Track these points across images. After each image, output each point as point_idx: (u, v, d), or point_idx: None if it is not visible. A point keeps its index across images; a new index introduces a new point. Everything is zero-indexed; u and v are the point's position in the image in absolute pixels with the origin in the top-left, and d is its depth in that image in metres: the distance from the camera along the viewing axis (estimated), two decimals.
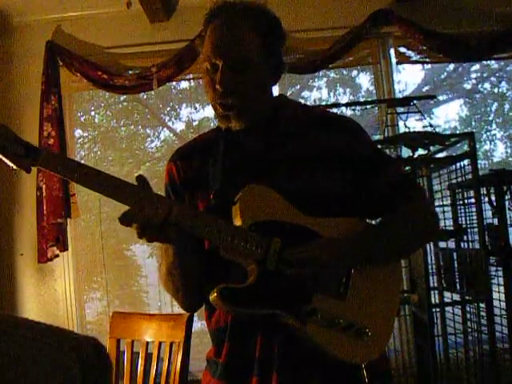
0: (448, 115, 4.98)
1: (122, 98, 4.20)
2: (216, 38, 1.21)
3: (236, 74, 1.20)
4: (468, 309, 2.90)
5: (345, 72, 4.01)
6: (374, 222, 1.35)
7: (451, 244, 2.98)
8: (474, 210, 2.73)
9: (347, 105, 3.27)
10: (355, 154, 1.26)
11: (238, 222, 1.16)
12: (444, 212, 2.96)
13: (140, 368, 1.94)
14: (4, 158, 1.11)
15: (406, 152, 2.99)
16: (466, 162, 2.75)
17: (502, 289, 2.70)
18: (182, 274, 1.25)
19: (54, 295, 3.38)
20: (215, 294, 1.12)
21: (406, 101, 3.06)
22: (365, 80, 4.10)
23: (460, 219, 2.91)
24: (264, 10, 1.25)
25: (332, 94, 4.35)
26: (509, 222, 2.70)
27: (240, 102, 1.22)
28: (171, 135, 4.54)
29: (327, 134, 1.27)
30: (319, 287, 1.15)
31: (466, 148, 2.78)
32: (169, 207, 1.12)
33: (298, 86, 4.38)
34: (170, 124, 4.51)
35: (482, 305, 2.69)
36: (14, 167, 1.12)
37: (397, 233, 1.26)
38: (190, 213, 1.15)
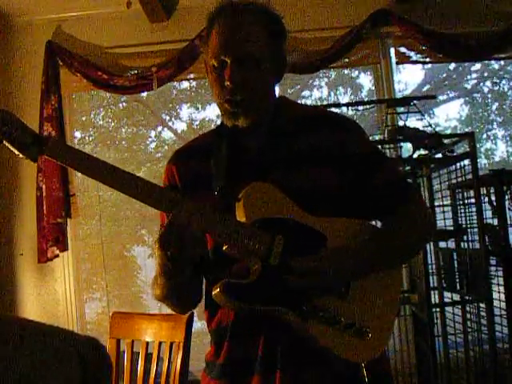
0: (448, 115, 4.98)
1: (122, 99, 4.19)
2: (224, 34, 1.22)
3: (245, 71, 1.21)
4: (468, 309, 2.90)
5: (346, 72, 4.01)
6: (373, 223, 1.35)
7: (451, 244, 2.98)
8: (474, 210, 2.73)
9: (347, 105, 3.26)
10: (353, 154, 1.27)
11: (241, 218, 1.17)
12: (444, 212, 2.96)
13: (140, 368, 1.94)
14: (10, 146, 1.10)
15: (406, 152, 2.99)
16: (466, 162, 2.75)
17: (502, 289, 2.69)
18: (181, 290, 1.27)
19: (54, 295, 3.38)
20: (218, 289, 1.12)
21: (406, 101, 3.06)
22: (366, 80, 4.10)
23: (460, 219, 2.91)
24: (268, 8, 1.27)
25: (333, 94, 4.35)
26: (509, 222, 2.70)
27: (249, 98, 1.23)
28: (172, 135, 4.54)
29: (327, 134, 1.28)
30: (317, 293, 1.16)
31: (466, 148, 2.78)
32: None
33: (298, 86, 4.38)
34: (170, 124, 4.51)
35: (482, 305, 2.69)
36: (21, 155, 1.11)
37: (396, 243, 1.27)
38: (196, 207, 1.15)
